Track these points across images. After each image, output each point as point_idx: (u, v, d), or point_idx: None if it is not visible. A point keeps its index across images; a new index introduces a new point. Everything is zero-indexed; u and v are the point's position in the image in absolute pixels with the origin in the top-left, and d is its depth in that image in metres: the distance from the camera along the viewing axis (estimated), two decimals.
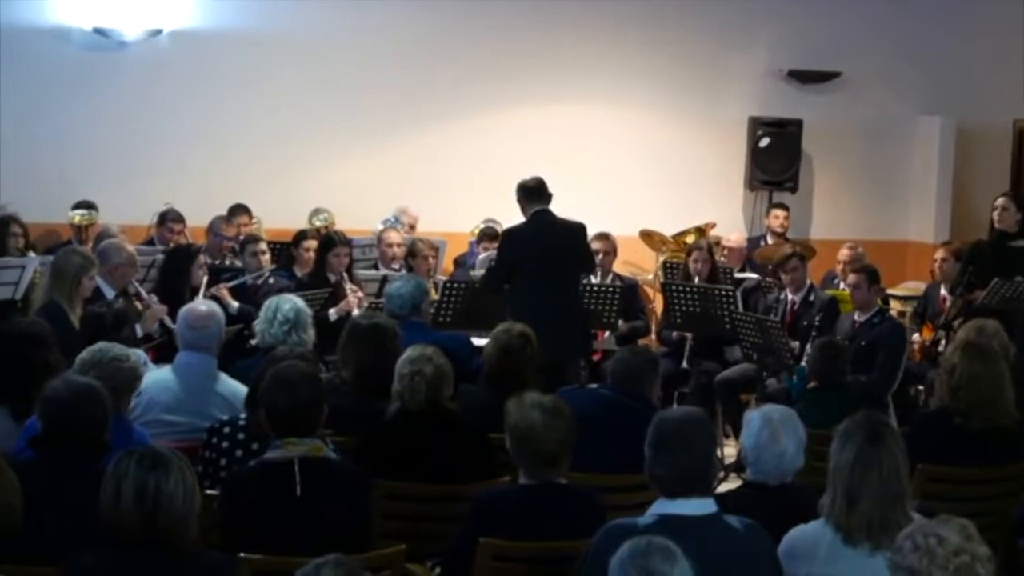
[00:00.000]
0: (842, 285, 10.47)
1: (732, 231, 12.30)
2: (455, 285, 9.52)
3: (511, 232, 8.84)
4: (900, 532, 3.55)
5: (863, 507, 4.25)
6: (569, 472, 5.00)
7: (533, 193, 8.70)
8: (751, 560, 4.16)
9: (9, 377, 5.63)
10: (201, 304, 6.67)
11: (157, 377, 6.13)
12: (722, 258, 11.49)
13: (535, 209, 8.66)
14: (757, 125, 13.33)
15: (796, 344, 9.26)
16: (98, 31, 11.69)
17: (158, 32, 11.87)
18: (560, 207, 8.87)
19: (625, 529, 3.93)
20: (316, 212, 11.73)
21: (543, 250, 8.51)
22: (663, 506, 4.18)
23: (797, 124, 13.39)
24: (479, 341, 7.55)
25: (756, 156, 13.32)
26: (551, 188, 8.79)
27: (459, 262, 11.66)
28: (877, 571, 3.78)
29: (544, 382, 6.23)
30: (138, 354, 5.80)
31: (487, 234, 11.23)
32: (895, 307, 11.15)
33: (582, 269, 9.09)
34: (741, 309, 9.88)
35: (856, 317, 9.31)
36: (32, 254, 9.79)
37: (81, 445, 4.50)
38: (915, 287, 11.62)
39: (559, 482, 4.87)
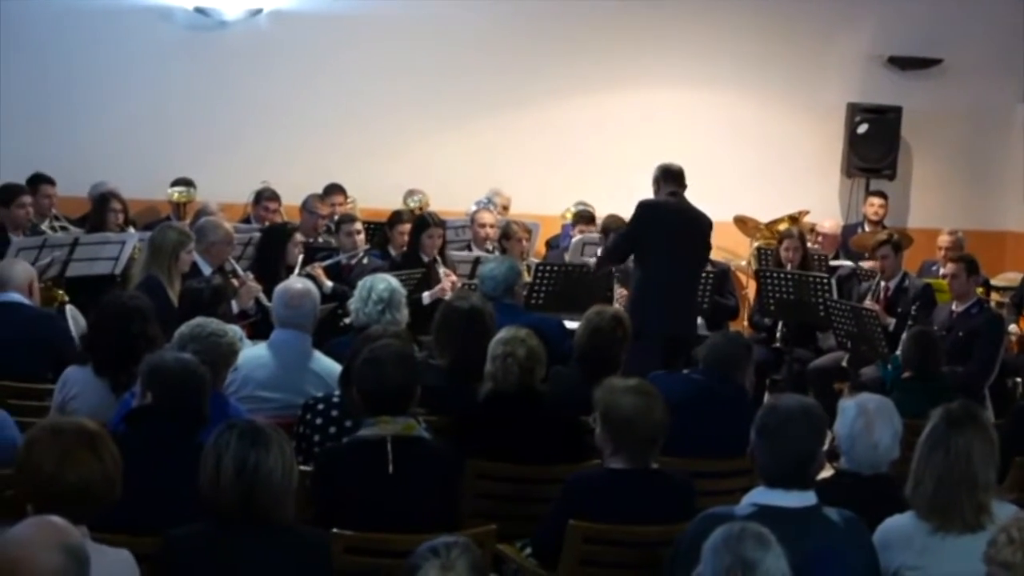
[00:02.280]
0: (942, 272, 10.33)
1: (827, 218, 12.20)
2: (548, 267, 9.52)
3: (647, 204, 8.61)
4: (973, 519, 3.53)
5: (926, 486, 4.25)
6: (660, 456, 4.99)
7: (673, 177, 8.58)
8: (849, 553, 4.11)
9: (110, 350, 5.74)
10: (297, 282, 6.72)
11: (253, 354, 6.19)
12: (816, 245, 11.39)
13: (671, 190, 8.59)
14: (856, 111, 13.19)
15: (891, 321, 9.19)
16: (199, 10, 11.82)
17: (258, 12, 11.98)
18: (649, 191, 8.82)
19: (721, 517, 3.90)
20: (410, 193, 11.79)
21: (676, 227, 8.41)
22: (762, 495, 4.13)
23: (896, 111, 13.22)
24: (571, 324, 7.55)
25: (854, 142, 13.18)
26: (647, 172, 8.74)
27: (551, 244, 11.66)
28: (973, 562, 3.72)
29: (654, 355, 6.19)
30: (235, 330, 5.86)
31: (582, 216, 11.22)
32: (994, 298, 10.99)
33: (704, 259, 8.93)
34: (836, 297, 9.79)
35: (953, 307, 9.19)
36: (132, 230, 9.93)
37: (184, 418, 4.57)
38: (1013, 277, 11.46)
39: (651, 466, 4.86)
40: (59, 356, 6.28)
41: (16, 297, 6.79)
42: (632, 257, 8.60)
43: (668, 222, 8.45)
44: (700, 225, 8.59)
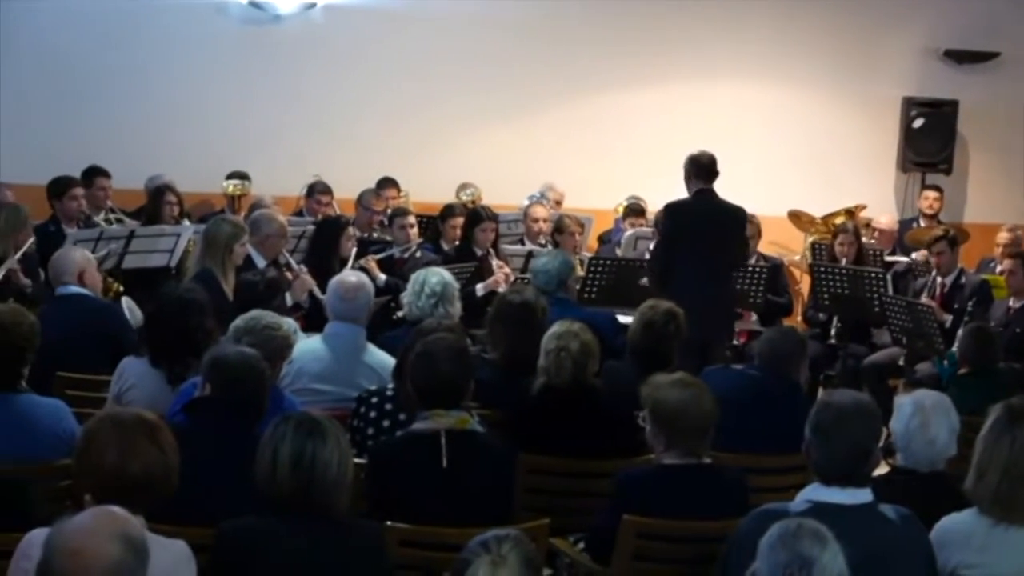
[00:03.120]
0: (999, 268, 10.24)
1: (883, 213, 12.12)
2: (601, 262, 9.50)
3: (672, 206, 8.68)
4: None
5: (990, 478, 4.22)
6: (714, 452, 4.98)
7: (703, 169, 8.52)
8: (906, 551, 4.08)
9: (167, 341, 5.78)
10: (351, 275, 6.74)
11: (307, 346, 6.21)
12: (872, 240, 11.32)
13: (699, 187, 8.55)
14: (911, 105, 13.09)
15: (947, 318, 9.12)
16: (254, 4, 11.87)
17: (312, 5, 12.01)
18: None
19: (776, 514, 3.88)
20: (463, 187, 11.80)
21: (702, 228, 8.39)
22: (816, 492, 4.11)
23: (953, 105, 13.10)
24: (624, 318, 7.54)
25: (909, 137, 13.08)
26: None
27: (604, 239, 11.65)
28: None
29: (690, 360, 6.20)
30: (289, 323, 5.88)
31: (633, 210, 11.20)
32: None
33: (737, 255, 8.88)
34: (891, 292, 9.72)
35: (1011, 303, 9.12)
36: (187, 223, 9.99)
37: (242, 411, 4.60)
38: None
39: (704, 461, 4.84)
40: (118, 348, 6.32)
41: (75, 289, 6.83)
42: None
43: (694, 223, 8.43)
44: (730, 220, 8.55)
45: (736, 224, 8.60)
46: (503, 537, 3.23)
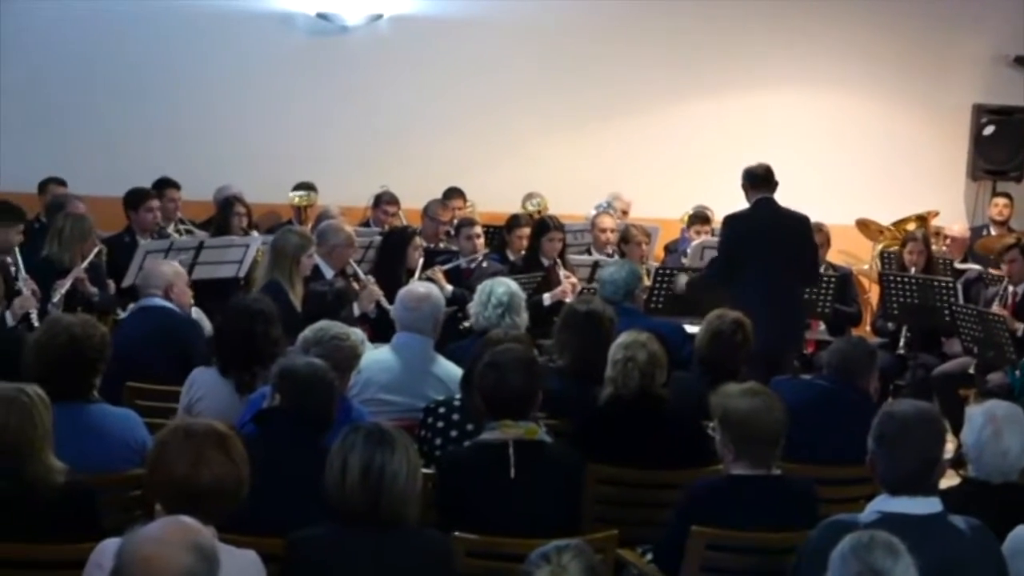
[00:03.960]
0: None
1: (953, 221, 12.00)
2: (667, 272, 9.47)
3: (732, 217, 8.66)
4: None
5: None
6: (783, 463, 4.95)
7: (759, 180, 8.51)
8: (976, 562, 4.04)
9: (235, 352, 5.82)
10: (420, 286, 6.76)
11: (375, 357, 6.22)
12: (943, 248, 11.21)
13: (759, 196, 8.51)
14: (981, 112, 12.97)
15: (1019, 327, 9.00)
16: (321, 16, 11.95)
17: (379, 17, 12.07)
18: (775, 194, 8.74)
19: (846, 525, 3.86)
20: (529, 196, 11.80)
21: (764, 238, 8.35)
22: (885, 503, 4.08)
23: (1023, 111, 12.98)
24: (691, 328, 7.51)
25: (980, 144, 12.96)
26: None
27: (670, 249, 11.61)
28: None
29: (757, 372, 6.16)
30: (357, 333, 5.90)
31: (697, 217, 11.16)
32: None
33: (803, 264, 8.68)
34: (962, 301, 9.62)
35: None
36: (255, 234, 10.06)
37: (311, 421, 4.63)
38: None
39: (773, 472, 4.81)
40: (187, 362, 6.37)
41: (158, 302, 6.90)
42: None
43: (755, 234, 8.38)
44: (793, 228, 8.49)
45: (800, 231, 8.53)
46: (563, 547, 3.23)
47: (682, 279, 9.26)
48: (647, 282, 9.14)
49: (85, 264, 8.36)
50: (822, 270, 9.98)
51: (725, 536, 4.70)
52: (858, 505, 4.53)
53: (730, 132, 12.51)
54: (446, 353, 6.46)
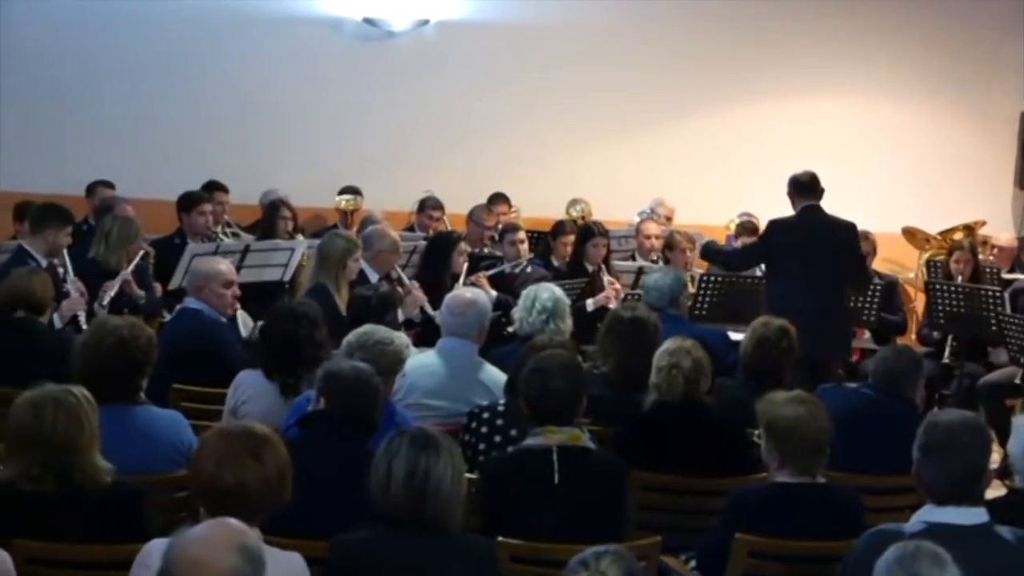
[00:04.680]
0: None
1: (1001, 230, 11.91)
2: (712, 278, 9.45)
3: (776, 223, 8.67)
4: None
5: None
6: (828, 472, 4.92)
7: (804, 187, 8.50)
8: (1023, 573, 4.01)
9: (280, 355, 5.85)
10: (466, 291, 6.77)
11: (420, 361, 6.23)
12: (991, 257, 11.13)
13: (804, 204, 8.49)
14: None
15: None
16: (368, 21, 12.00)
17: (425, 22, 12.11)
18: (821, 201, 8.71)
19: (891, 535, 3.83)
20: (573, 202, 11.80)
21: (808, 245, 8.32)
22: (931, 513, 4.05)
23: None
24: (736, 335, 7.49)
25: None
26: None
27: None
28: None
29: (801, 379, 6.14)
30: (402, 337, 5.91)
31: (746, 228, 11.12)
32: None
33: (850, 271, 8.66)
34: (1009, 311, 9.55)
35: None
36: (300, 237, 10.10)
37: (355, 425, 4.64)
38: None
39: (818, 481, 4.79)
40: (217, 364, 6.41)
41: (192, 304, 6.95)
42: (765, 280, 8.59)
43: (798, 240, 8.36)
44: (839, 236, 8.46)
45: (846, 238, 8.50)
46: (602, 553, 3.22)
47: (704, 242, 9.31)
48: (691, 289, 9.13)
49: (132, 267, 8.40)
50: None
51: (769, 544, 4.69)
52: (904, 515, 4.49)
53: (775, 139, 12.48)
54: (490, 358, 6.47)
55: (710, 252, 9.40)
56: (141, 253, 8.60)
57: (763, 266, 9.13)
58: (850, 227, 8.55)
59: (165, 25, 11.58)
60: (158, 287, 8.87)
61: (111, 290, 8.13)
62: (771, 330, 6.37)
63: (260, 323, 6.24)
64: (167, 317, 8.33)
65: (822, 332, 7.89)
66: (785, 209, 8.78)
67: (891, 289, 10.18)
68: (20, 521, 4.11)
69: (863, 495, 5.05)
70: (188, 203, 9.79)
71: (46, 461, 4.16)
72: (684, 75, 12.52)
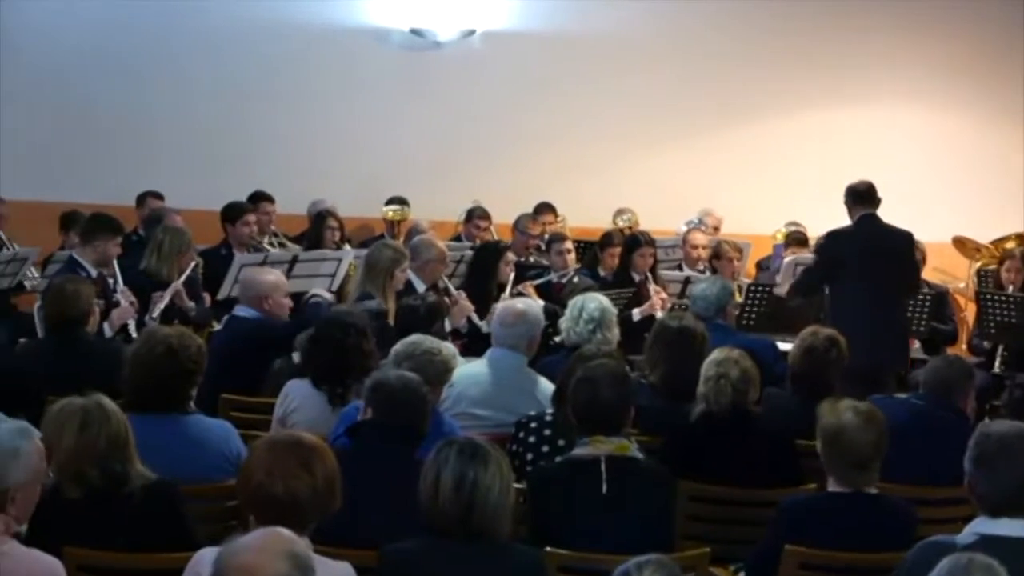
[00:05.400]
0: None
1: None
2: (759, 288, 9.41)
3: (834, 234, 8.61)
4: None
5: None
6: (879, 482, 4.88)
7: (862, 197, 8.46)
8: None
9: (328, 364, 5.86)
10: (519, 302, 6.79)
11: (467, 371, 6.24)
12: None
13: (862, 213, 8.46)
14: None
15: None
16: (415, 32, 12.04)
17: (471, 32, 12.14)
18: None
19: (943, 546, 3.80)
20: (620, 212, 11.77)
21: (866, 254, 8.28)
22: (984, 525, 4.01)
23: None
24: (784, 345, 7.46)
25: None
26: None
27: (762, 265, 11.53)
28: None
29: (858, 388, 6.09)
30: (449, 347, 5.92)
31: (795, 238, 11.06)
32: None
33: (906, 280, 8.67)
34: None
35: None
36: (347, 247, 10.12)
37: (402, 434, 4.65)
38: None
39: (869, 491, 4.76)
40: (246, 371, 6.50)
41: (242, 312, 6.98)
42: (827, 289, 8.52)
43: (857, 250, 8.32)
44: (896, 245, 8.42)
45: (904, 248, 8.47)
46: (644, 563, 3.21)
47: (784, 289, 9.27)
48: (739, 298, 9.09)
49: (183, 278, 8.43)
50: None
51: (819, 555, 4.65)
52: (956, 526, 4.45)
53: (823, 148, 12.44)
54: (536, 367, 6.47)
55: (797, 289, 9.07)
56: (192, 264, 8.63)
57: None
58: (907, 236, 8.53)
59: (213, 37, 11.66)
60: (206, 297, 8.91)
61: (162, 302, 8.15)
62: (820, 339, 6.34)
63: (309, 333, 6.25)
64: (216, 327, 8.38)
65: (879, 342, 7.88)
66: (832, 217, 8.75)
67: (942, 299, 10.11)
68: (65, 527, 4.13)
69: (915, 506, 5.01)
70: (232, 214, 9.84)
71: (80, 468, 4.18)
72: (731, 84, 12.49)
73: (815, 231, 10.81)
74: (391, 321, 7.34)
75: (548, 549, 4.43)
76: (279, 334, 6.85)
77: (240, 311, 7.05)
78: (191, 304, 8.48)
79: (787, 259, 10.69)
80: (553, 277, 9.76)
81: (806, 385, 6.23)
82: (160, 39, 11.58)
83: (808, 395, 6.07)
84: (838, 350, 6.33)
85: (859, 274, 8.26)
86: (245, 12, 11.69)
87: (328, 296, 7.89)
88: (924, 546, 4.03)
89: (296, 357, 6.50)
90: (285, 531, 3.13)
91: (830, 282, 8.47)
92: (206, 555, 3.56)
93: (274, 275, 7.38)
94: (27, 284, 9.46)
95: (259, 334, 6.89)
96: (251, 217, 9.88)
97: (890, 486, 5.16)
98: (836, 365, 6.33)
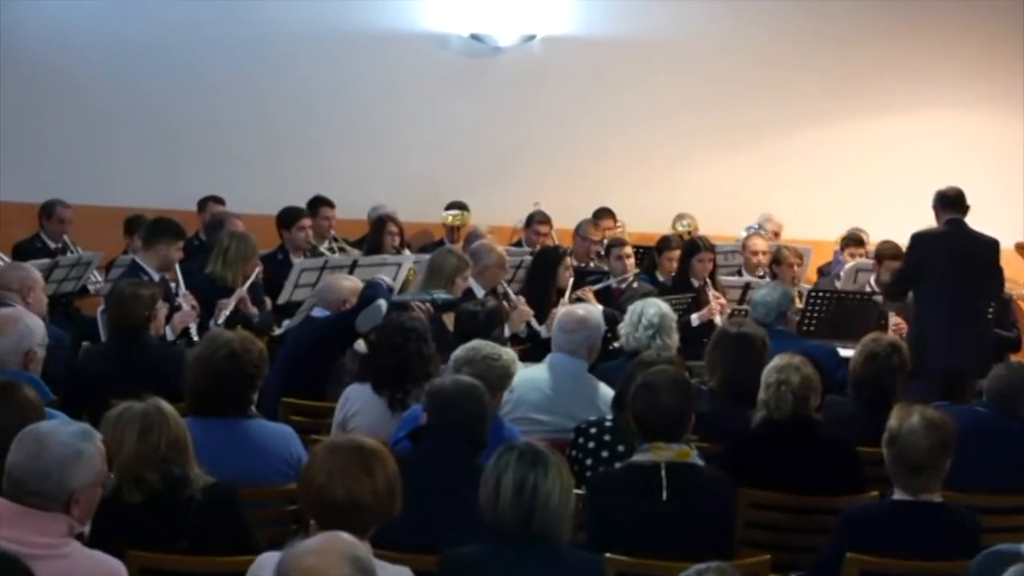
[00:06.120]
0: None
1: None
2: (820, 294, 9.35)
3: (921, 235, 8.56)
4: None
5: None
6: (943, 491, 4.84)
7: (950, 202, 8.43)
8: None
9: (388, 368, 5.88)
10: (580, 308, 6.79)
11: (527, 376, 6.24)
12: None
13: (949, 217, 8.43)
14: None
15: None
16: (475, 37, 12.07)
17: (532, 37, 12.15)
18: (926, 217, 8.61)
19: (1008, 556, 3.77)
20: (679, 217, 11.75)
21: (952, 258, 8.24)
22: None
23: None
24: (845, 352, 7.41)
25: None
26: (911, 194, 8.56)
27: (823, 271, 11.46)
28: None
29: (933, 393, 6.04)
30: (509, 353, 5.91)
31: (852, 239, 10.99)
32: None
33: (990, 287, 8.63)
34: None
35: None
36: (407, 252, 10.14)
37: (463, 440, 4.66)
38: None
39: (933, 499, 4.72)
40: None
41: (319, 313, 7.07)
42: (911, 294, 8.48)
43: (943, 253, 8.28)
44: (982, 251, 8.37)
45: (988, 254, 8.43)
46: (704, 570, 3.22)
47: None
48: (799, 304, 9.04)
49: (248, 284, 8.46)
50: None
51: (882, 564, 4.61)
52: (1020, 535, 4.41)
53: (883, 153, 12.38)
54: (596, 373, 6.46)
55: (887, 294, 9.06)
56: (258, 270, 8.67)
57: None
58: (993, 243, 8.48)
59: (274, 43, 11.74)
60: (268, 302, 8.95)
61: (227, 308, 8.20)
62: (881, 346, 6.31)
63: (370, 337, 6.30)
64: (277, 332, 8.43)
65: (960, 346, 7.84)
66: (893, 224, 8.70)
67: (1005, 305, 10.00)
68: (126, 530, 4.15)
69: (979, 514, 4.97)
70: (288, 219, 9.89)
71: (141, 472, 4.22)
72: (792, 90, 12.44)
73: (875, 236, 10.75)
74: (450, 327, 7.35)
75: (608, 555, 4.43)
76: (348, 320, 6.93)
77: (318, 312, 7.13)
78: (255, 311, 8.51)
79: (848, 264, 10.65)
80: (612, 282, 9.74)
81: (867, 392, 6.21)
82: (230, 45, 11.68)
83: (869, 402, 6.06)
84: (900, 357, 6.29)
85: (944, 277, 8.21)
86: (307, 19, 11.75)
87: (388, 280, 7.92)
88: (988, 555, 4.00)
89: (360, 346, 6.57)
90: (346, 535, 3.14)
91: (917, 284, 8.41)
92: (267, 559, 3.58)
93: (352, 281, 7.51)
94: (91, 288, 9.57)
95: (334, 320, 7.01)
96: (306, 222, 9.93)
97: (953, 494, 5.11)
98: (898, 372, 6.29)
